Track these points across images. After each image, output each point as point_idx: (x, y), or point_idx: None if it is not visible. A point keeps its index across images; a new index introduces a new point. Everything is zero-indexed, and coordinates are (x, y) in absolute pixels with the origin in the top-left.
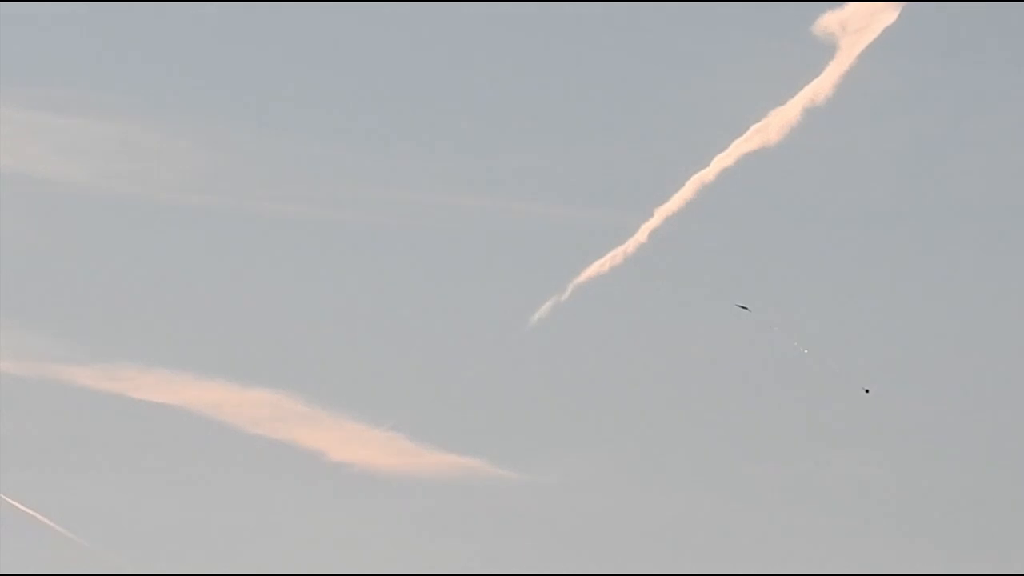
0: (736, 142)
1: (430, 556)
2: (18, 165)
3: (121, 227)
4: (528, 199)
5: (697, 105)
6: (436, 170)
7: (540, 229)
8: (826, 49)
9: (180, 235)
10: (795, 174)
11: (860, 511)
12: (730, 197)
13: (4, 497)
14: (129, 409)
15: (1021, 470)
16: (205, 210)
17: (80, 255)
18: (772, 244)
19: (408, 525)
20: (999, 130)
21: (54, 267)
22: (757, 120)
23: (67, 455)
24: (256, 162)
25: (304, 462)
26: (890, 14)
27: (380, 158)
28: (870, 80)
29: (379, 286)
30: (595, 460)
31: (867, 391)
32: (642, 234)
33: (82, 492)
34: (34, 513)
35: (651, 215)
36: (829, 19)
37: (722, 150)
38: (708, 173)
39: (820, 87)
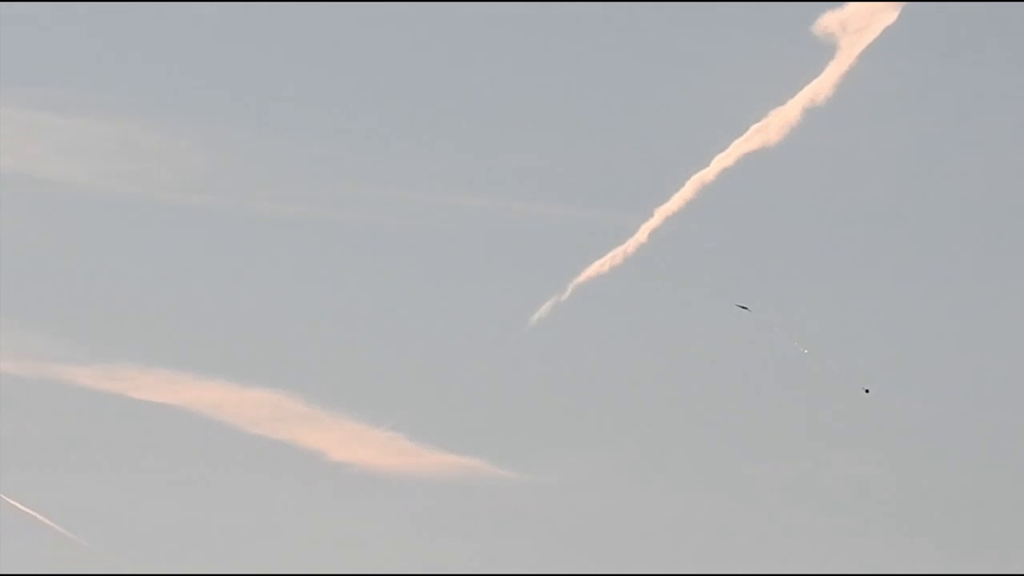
0: (736, 142)
1: (430, 556)
2: (18, 165)
3: (121, 227)
4: (528, 199)
5: (697, 105)
6: (436, 170)
7: (540, 229)
8: (826, 49)
9: (180, 235)
10: (795, 174)
11: (860, 511)
12: (730, 197)
13: (4, 497)
14: (129, 409)
15: (1021, 470)
16: (205, 210)
17: (80, 255)
18: (772, 244)
19: (408, 525)
20: (999, 130)
21: (54, 267)
22: (757, 120)
23: (67, 455)
24: (256, 162)
25: (304, 462)
26: (890, 14)
27: (380, 158)
28: (870, 80)
29: (379, 286)
30: (595, 460)
31: (867, 391)
32: (642, 234)
33: (82, 492)
34: (34, 513)
35: (651, 215)
36: (829, 19)
37: (722, 150)
38: (708, 173)
39: (820, 87)
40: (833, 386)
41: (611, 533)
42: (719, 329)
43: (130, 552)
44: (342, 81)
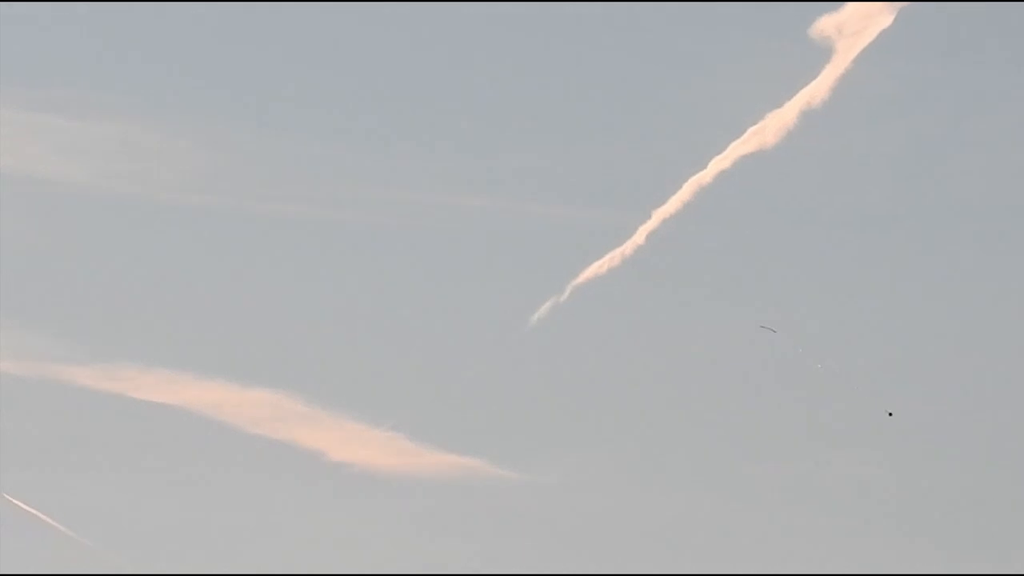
0: (734, 144)
1: (430, 556)
2: (18, 165)
3: (121, 227)
4: (528, 199)
5: (696, 105)
6: (436, 170)
7: (539, 229)
8: (822, 52)
9: (180, 235)
10: (792, 176)
11: (860, 511)
12: (727, 199)
13: (5, 496)
14: (129, 409)
15: (1021, 470)
16: (205, 210)
17: (80, 255)
18: (770, 246)
19: (408, 525)
20: (996, 131)
21: (54, 267)
22: (755, 122)
23: (67, 455)
24: (256, 162)
25: (304, 462)
26: (886, 17)
27: (380, 158)
28: (866, 83)
29: (379, 286)
30: (595, 460)
31: (891, 414)
32: (640, 236)
33: (83, 492)
34: (35, 512)
35: (649, 217)
36: (825, 22)
37: (720, 152)
38: (705, 175)
39: (816, 90)
40: (833, 386)
41: (611, 533)
42: (718, 330)
43: (131, 552)
44: (342, 81)
